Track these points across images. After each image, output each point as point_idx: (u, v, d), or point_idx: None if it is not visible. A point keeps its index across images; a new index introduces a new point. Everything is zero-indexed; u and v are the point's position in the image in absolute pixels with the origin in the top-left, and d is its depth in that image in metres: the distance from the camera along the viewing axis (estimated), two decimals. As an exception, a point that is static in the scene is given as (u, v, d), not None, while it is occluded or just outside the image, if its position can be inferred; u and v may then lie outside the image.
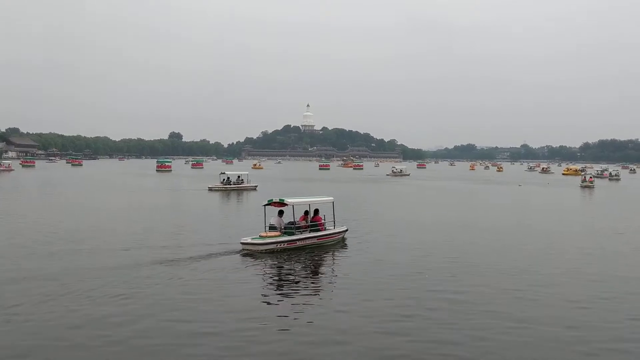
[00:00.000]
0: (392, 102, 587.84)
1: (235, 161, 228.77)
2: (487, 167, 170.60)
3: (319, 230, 19.63)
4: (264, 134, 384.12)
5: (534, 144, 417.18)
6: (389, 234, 23.08)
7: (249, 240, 18.13)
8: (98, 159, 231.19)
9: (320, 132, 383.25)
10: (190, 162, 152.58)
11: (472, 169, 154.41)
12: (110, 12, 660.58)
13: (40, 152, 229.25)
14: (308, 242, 19.03)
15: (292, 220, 19.59)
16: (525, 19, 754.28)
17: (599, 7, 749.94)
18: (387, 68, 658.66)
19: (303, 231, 19.22)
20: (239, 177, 51.72)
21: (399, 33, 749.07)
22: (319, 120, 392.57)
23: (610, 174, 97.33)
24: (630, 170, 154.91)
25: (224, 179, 50.39)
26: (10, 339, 9.83)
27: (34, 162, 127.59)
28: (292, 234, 18.74)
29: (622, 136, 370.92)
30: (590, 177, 70.99)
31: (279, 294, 13.33)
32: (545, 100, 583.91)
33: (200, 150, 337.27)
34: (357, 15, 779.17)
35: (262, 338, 10.11)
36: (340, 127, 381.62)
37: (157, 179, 72.65)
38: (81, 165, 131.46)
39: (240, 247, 18.15)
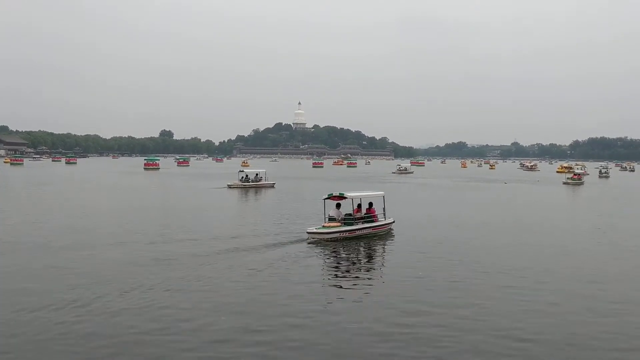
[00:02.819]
0: (383, 100, 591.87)
1: (225, 159, 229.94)
2: (480, 165, 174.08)
3: (372, 221, 21.83)
4: (256, 132, 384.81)
5: (525, 142, 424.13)
6: (427, 228, 25.35)
7: (315, 230, 20.28)
8: (88, 157, 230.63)
9: (312, 130, 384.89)
10: (176, 160, 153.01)
11: (464, 166, 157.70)
12: (101, 10, 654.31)
13: (29, 150, 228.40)
14: (365, 231, 21.25)
15: (350, 212, 21.76)
16: (518, 17, 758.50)
17: (592, 6, 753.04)
18: (380, 65, 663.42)
19: (358, 222, 21.39)
20: (257, 175, 53.41)
21: (392, 31, 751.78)
22: (310, 118, 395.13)
23: (600, 171, 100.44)
24: (622, 168, 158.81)
25: (242, 177, 52.07)
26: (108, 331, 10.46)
27: (22, 160, 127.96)
28: (352, 224, 20.91)
29: (612, 134, 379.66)
30: (577, 175, 71.93)
31: (347, 276, 15.53)
32: (536, 98, 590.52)
33: (191, 149, 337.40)
34: (349, 12, 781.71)
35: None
36: (331, 125, 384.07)
37: (154, 177, 72.41)
38: (75, 163, 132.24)
39: (305, 236, 20.29)
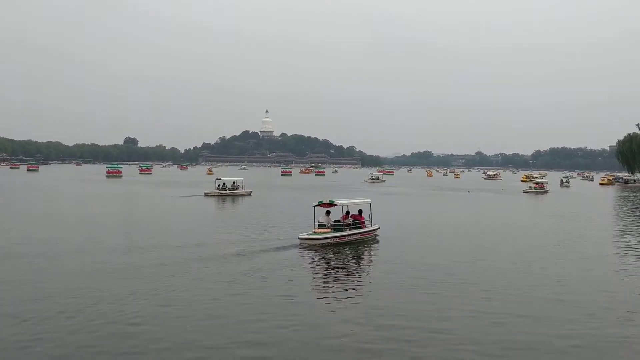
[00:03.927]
0: (350, 108, 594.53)
1: (189, 167, 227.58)
2: (445, 174, 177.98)
3: (360, 227, 22.82)
4: (222, 139, 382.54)
5: (488, 152, 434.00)
6: (407, 233, 26.71)
7: (306, 236, 21.12)
8: (50, 164, 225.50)
9: (279, 138, 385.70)
10: (139, 168, 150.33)
11: (430, 175, 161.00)
12: (61, 10, 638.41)
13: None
14: (353, 237, 22.20)
15: (338, 219, 22.68)
16: (479, 18, 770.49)
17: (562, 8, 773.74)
18: (346, 64, 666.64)
19: (346, 228, 22.33)
20: (234, 183, 53.75)
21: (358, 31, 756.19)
22: (277, 126, 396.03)
23: (562, 180, 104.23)
24: (583, 177, 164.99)
25: (219, 185, 52.35)
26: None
27: None
28: (341, 230, 21.85)
29: (572, 143, 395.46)
30: (538, 184, 73.91)
31: (340, 278, 16.45)
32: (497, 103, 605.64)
33: (156, 156, 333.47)
34: (315, 8, 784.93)
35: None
36: (299, 134, 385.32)
37: (117, 186, 71.04)
38: (37, 170, 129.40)
39: (297, 241, 21.10)
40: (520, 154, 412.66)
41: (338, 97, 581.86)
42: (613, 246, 24.07)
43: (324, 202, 22.59)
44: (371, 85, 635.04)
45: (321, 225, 21.96)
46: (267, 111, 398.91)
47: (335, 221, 22.39)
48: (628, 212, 42.76)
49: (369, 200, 25.24)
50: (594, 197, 67.82)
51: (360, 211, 23.54)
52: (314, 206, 22.87)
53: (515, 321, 11.98)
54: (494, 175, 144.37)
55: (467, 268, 17.87)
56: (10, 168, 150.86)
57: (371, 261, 19.86)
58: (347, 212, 23.20)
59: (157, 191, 58.83)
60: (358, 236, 22.47)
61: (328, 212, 22.56)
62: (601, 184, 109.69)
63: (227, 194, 50.63)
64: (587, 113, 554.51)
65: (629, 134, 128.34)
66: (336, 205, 22.40)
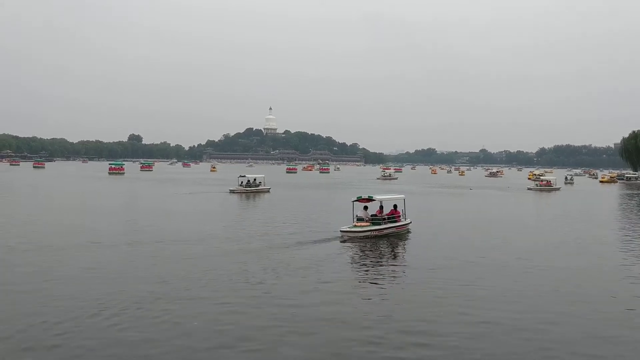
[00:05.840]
0: (353, 105, 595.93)
1: (192, 164, 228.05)
2: (449, 172, 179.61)
3: (396, 221, 24.61)
4: (226, 136, 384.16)
5: (492, 149, 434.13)
6: (437, 229, 28.37)
7: (348, 229, 22.90)
8: (55, 161, 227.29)
9: (283, 135, 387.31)
10: (140, 165, 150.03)
11: (434, 173, 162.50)
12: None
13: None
14: (390, 230, 23.98)
15: (374, 213, 24.48)
16: (478, 17, 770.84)
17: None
18: (349, 66, 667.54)
19: (382, 222, 24.09)
20: (255, 179, 55.59)
21: (360, 30, 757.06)
22: (281, 123, 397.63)
23: (566, 177, 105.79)
24: (590, 174, 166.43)
25: (242, 182, 54.26)
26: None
27: None
28: (379, 224, 23.63)
29: (576, 141, 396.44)
30: (546, 182, 74.75)
31: (371, 275, 17.69)
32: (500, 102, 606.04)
33: (160, 153, 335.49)
34: (315, 10, 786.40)
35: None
36: (302, 131, 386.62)
37: (122, 183, 70.36)
38: (44, 167, 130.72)
39: (339, 234, 22.82)
40: (524, 151, 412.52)
41: (341, 102, 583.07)
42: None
43: (363, 197, 24.39)
44: (373, 88, 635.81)
45: (360, 219, 23.70)
46: (270, 108, 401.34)
47: (372, 215, 24.17)
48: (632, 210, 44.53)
49: (403, 196, 27.03)
50: (598, 195, 69.21)
51: (395, 206, 25.36)
52: (353, 201, 24.71)
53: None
54: (497, 172, 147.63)
55: (498, 263, 18.70)
56: (10, 165, 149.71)
57: (408, 253, 21.21)
58: (381, 207, 24.99)
59: (161, 190, 57.27)
60: (394, 229, 24.23)
61: (366, 207, 24.31)
62: (602, 182, 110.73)
63: (251, 190, 52.37)
64: (591, 111, 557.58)
65: (634, 132, 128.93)
66: (374, 200, 24.18)
